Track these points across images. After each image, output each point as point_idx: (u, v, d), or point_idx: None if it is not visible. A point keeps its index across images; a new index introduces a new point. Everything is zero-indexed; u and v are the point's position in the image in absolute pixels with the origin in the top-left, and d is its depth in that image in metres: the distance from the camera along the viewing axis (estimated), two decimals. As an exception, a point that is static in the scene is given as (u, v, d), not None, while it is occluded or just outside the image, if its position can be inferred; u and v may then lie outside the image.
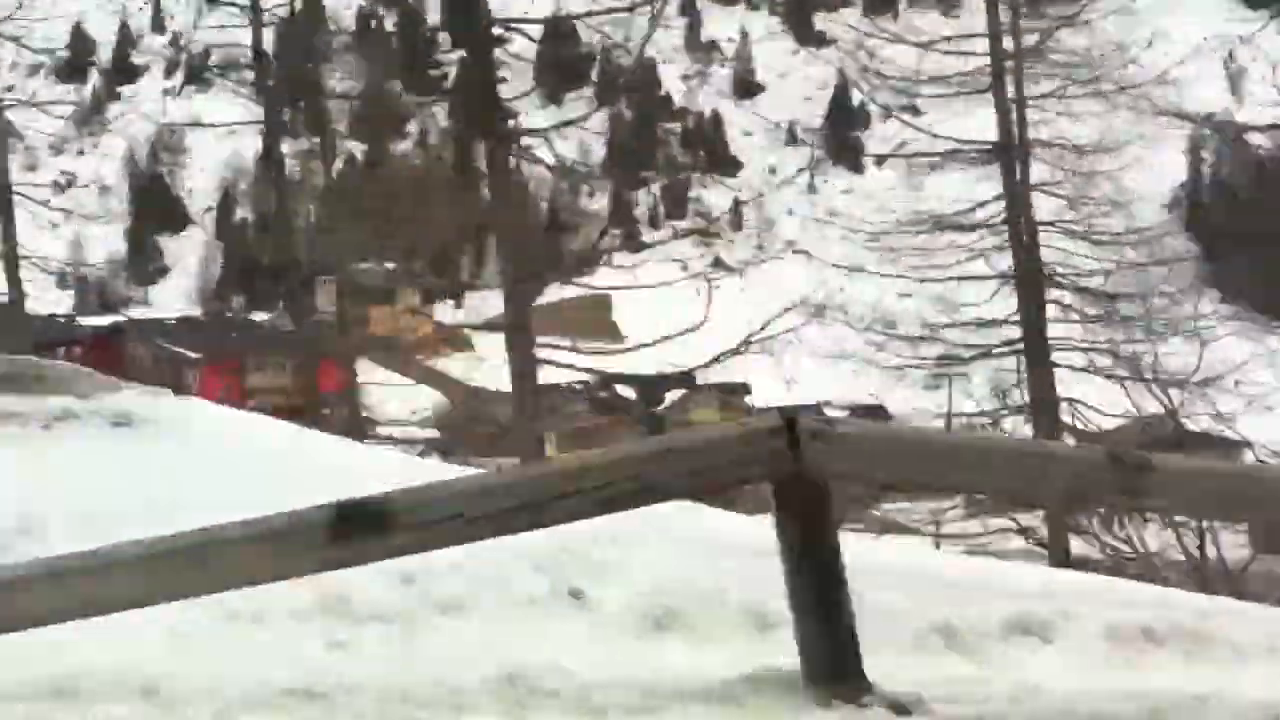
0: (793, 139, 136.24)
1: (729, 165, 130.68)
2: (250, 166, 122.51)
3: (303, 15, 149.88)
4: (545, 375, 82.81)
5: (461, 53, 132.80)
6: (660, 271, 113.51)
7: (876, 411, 77.63)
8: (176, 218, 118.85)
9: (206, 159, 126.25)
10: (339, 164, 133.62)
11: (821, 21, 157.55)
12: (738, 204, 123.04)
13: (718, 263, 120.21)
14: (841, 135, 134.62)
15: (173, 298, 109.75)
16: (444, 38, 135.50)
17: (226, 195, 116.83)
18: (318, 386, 60.55)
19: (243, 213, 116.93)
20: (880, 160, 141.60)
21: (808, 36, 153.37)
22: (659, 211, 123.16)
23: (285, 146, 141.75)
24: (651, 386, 77.15)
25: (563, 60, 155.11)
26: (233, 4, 57.28)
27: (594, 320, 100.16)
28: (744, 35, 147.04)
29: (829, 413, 74.09)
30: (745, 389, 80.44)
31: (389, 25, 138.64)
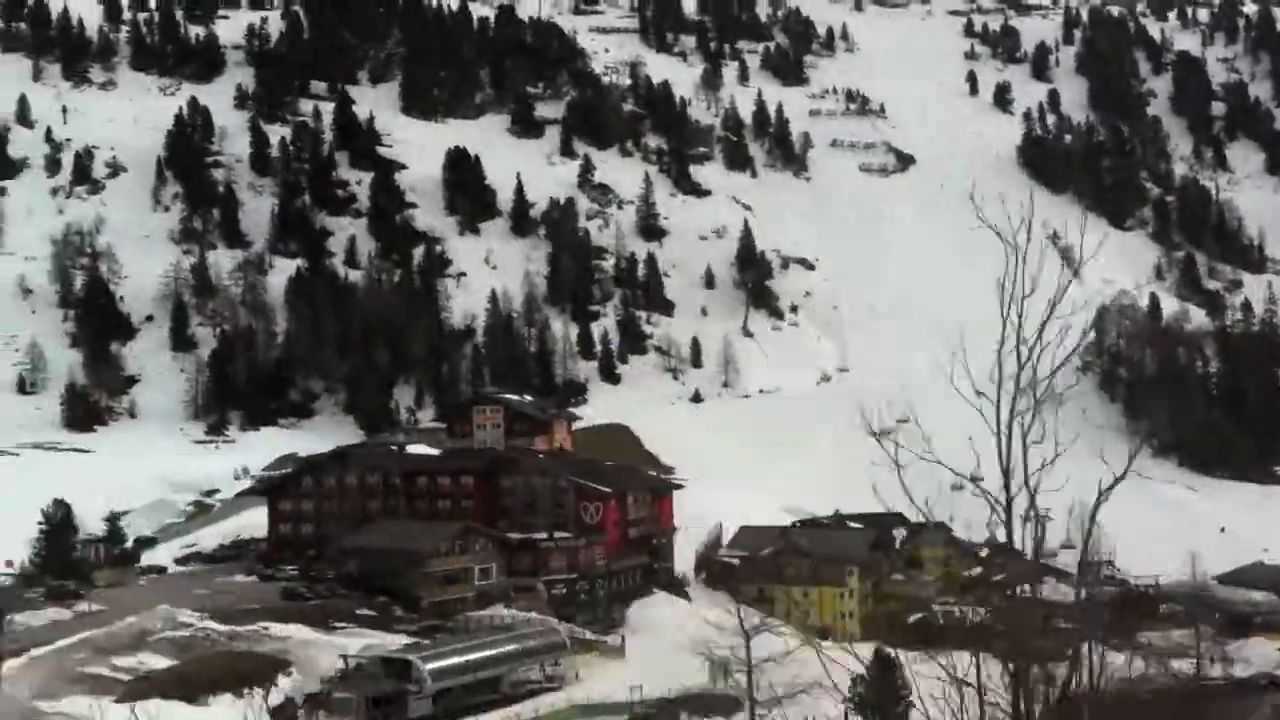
0: (710, 283, 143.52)
1: (665, 304, 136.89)
2: (183, 276, 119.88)
3: (192, 124, 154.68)
4: (755, 515, 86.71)
5: (365, 175, 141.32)
6: (636, 399, 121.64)
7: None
8: (124, 326, 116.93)
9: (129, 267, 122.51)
10: (274, 276, 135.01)
11: (695, 174, 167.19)
12: (696, 342, 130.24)
13: (697, 396, 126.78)
14: (755, 282, 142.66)
15: (151, 411, 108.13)
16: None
17: (180, 306, 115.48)
18: (663, 518, 65.59)
19: (195, 324, 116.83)
20: (794, 306, 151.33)
21: (688, 186, 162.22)
22: (621, 345, 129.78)
23: (214, 257, 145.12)
24: (883, 524, 73.94)
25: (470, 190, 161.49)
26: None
27: (631, 447, 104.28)
28: (647, 180, 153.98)
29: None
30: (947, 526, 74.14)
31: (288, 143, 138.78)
